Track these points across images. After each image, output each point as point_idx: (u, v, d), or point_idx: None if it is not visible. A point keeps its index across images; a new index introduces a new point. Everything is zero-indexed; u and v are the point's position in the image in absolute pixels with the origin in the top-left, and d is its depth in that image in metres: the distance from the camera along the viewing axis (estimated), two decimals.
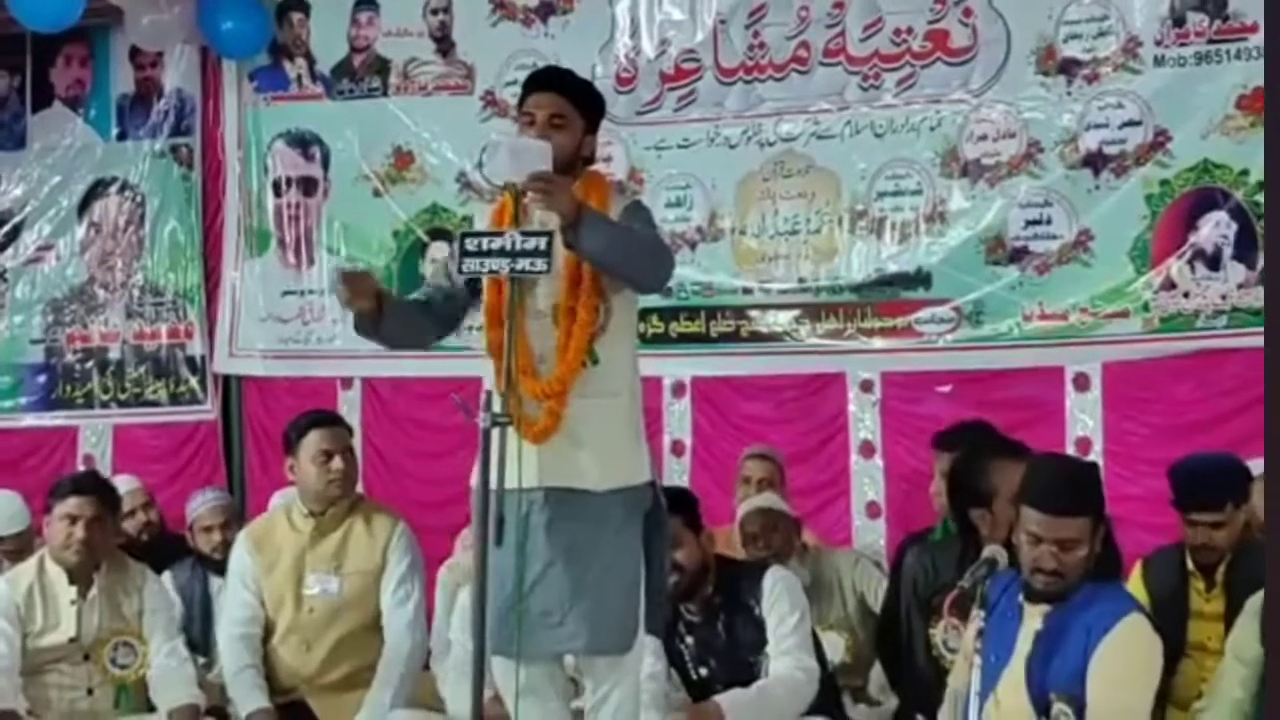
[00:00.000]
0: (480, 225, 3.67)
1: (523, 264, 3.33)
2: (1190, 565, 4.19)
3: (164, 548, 5.45)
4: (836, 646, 4.62)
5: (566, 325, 3.43)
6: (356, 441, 6.12)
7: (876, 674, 4.71)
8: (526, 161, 3.30)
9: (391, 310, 3.53)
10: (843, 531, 5.79)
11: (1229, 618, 4.00)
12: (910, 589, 4.16)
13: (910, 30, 5.70)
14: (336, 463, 4.47)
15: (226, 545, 5.17)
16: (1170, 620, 3.84)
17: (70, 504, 4.40)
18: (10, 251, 7.08)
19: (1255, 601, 3.70)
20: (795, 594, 4.22)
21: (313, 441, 4.49)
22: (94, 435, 6.97)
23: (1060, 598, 3.40)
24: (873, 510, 5.84)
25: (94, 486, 4.58)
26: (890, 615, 4.48)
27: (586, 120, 3.54)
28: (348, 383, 6.61)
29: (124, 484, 5.81)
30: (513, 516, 3.30)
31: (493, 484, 3.24)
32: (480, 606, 3.27)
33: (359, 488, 4.75)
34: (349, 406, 6.43)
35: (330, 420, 4.68)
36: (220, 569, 5.13)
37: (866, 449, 5.85)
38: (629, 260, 3.41)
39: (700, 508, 4.37)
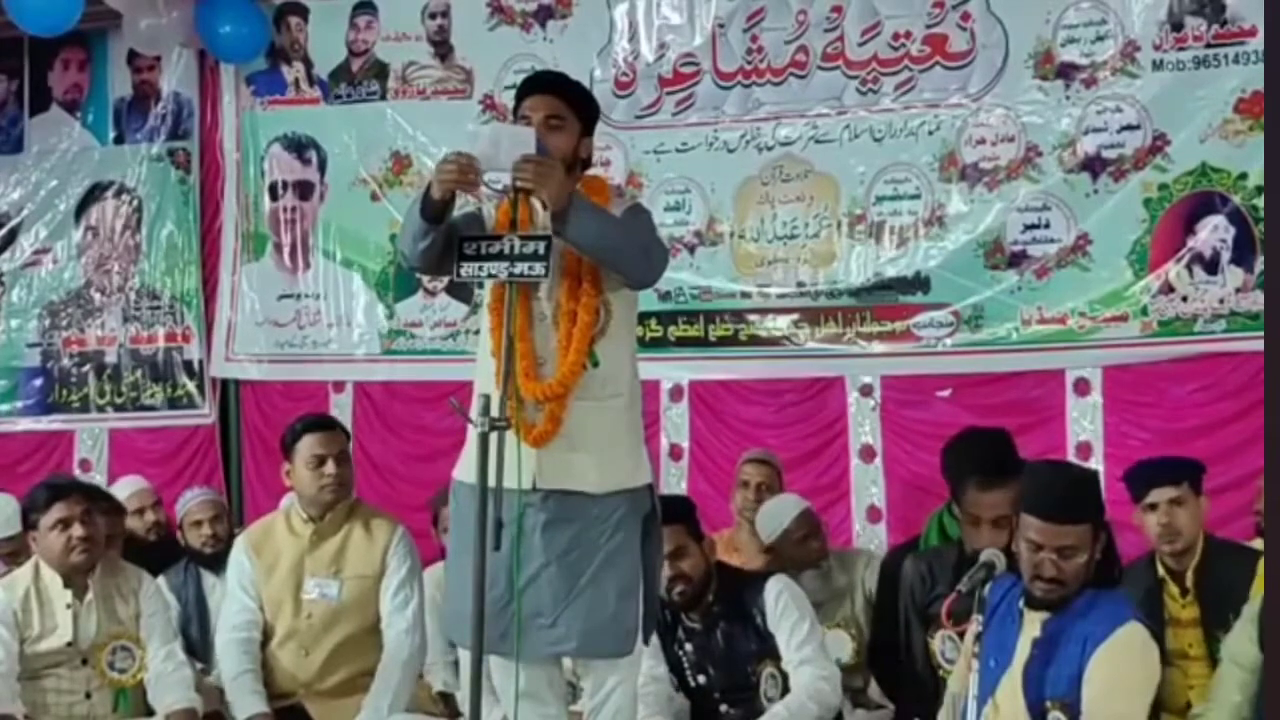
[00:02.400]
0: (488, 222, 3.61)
1: (521, 268, 3.33)
2: (1161, 572, 4.18)
3: (167, 549, 5.45)
4: (844, 645, 4.62)
5: (567, 327, 3.43)
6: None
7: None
8: (510, 147, 3.28)
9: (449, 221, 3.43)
10: (843, 535, 5.78)
11: (1205, 622, 4.02)
12: (909, 597, 4.17)
13: (909, 34, 5.70)
14: (330, 467, 4.46)
15: (215, 539, 5.22)
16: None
17: (57, 510, 4.37)
18: (7, 255, 7.08)
19: (1252, 608, 3.71)
20: (801, 602, 4.23)
21: (306, 446, 4.48)
22: (90, 439, 6.97)
23: (1061, 605, 3.39)
24: (873, 514, 5.84)
25: (72, 487, 4.57)
26: (882, 629, 4.48)
27: (583, 122, 3.53)
28: (339, 386, 6.61)
29: (131, 484, 5.81)
30: (507, 517, 3.29)
31: (484, 484, 3.24)
32: (479, 608, 3.26)
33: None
34: (340, 410, 6.42)
35: (324, 425, 4.65)
36: (211, 564, 5.16)
37: (866, 453, 5.85)
38: (619, 250, 3.39)
39: (698, 514, 4.37)
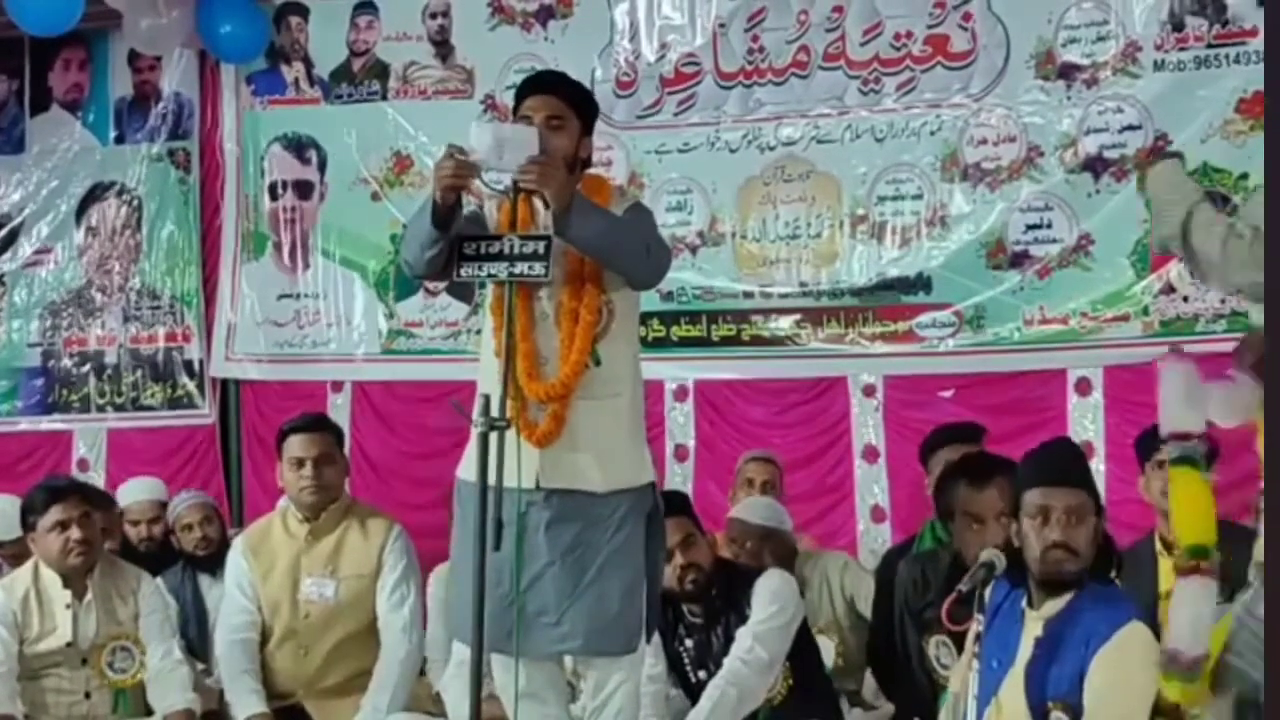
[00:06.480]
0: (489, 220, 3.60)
1: (520, 268, 3.33)
2: (1158, 545, 4.14)
3: (163, 552, 5.43)
4: (827, 650, 4.60)
5: (569, 327, 3.43)
6: (345, 445, 6.04)
7: (870, 677, 4.69)
8: (514, 148, 3.28)
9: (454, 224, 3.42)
10: (847, 536, 5.78)
11: None
12: (903, 599, 4.15)
13: (910, 35, 5.69)
14: (307, 469, 4.47)
15: (208, 540, 5.23)
16: (1150, 609, 3.82)
17: (55, 512, 4.38)
18: (7, 255, 7.07)
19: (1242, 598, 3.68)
20: (779, 591, 4.17)
21: (289, 448, 4.52)
22: (89, 439, 6.96)
23: (1074, 582, 3.36)
24: (877, 514, 5.83)
25: (70, 488, 4.57)
26: (879, 627, 4.47)
27: (583, 122, 3.53)
28: (338, 386, 6.61)
29: (139, 490, 5.69)
30: (510, 516, 3.29)
31: (484, 485, 3.23)
32: (479, 607, 3.26)
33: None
34: (338, 410, 6.41)
35: (306, 426, 4.64)
36: (206, 565, 5.15)
37: (870, 453, 5.84)
38: (621, 250, 3.39)
39: (693, 508, 4.36)
